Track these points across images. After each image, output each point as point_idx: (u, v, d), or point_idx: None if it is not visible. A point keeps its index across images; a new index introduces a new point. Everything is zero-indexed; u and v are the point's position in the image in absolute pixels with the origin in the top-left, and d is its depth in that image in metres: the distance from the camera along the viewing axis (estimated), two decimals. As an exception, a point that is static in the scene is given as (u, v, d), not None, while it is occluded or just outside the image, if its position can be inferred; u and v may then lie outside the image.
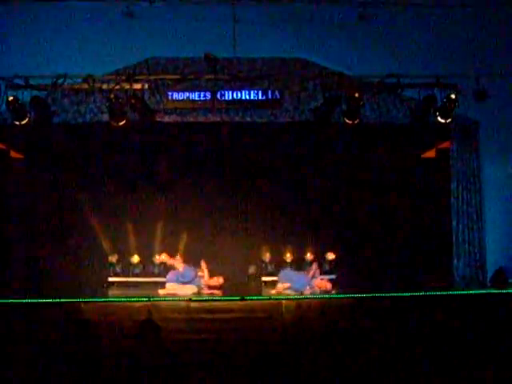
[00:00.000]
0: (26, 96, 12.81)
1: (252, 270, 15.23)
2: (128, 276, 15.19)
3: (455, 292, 13.03)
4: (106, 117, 13.51)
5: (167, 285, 13.19)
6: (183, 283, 13.07)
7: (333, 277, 15.10)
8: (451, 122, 13.62)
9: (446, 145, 15.02)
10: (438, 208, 15.19)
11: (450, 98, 12.91)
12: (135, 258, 15.35)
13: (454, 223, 14.73)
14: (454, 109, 13.11)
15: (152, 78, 13.66)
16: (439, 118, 13.14)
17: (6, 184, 14.67)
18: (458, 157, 14.78)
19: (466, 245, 14.74)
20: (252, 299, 12.07)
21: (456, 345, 9.05)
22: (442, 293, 12.18)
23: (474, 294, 12.48)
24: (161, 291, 13.02)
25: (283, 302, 11.50)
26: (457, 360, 8.16)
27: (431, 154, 15.73)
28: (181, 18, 13.75)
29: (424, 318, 10.53)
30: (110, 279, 15.19)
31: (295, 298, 11.83)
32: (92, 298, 12.10)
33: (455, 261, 14.67)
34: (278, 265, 15.27)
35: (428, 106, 13.14)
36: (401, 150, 15.37)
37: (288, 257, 15.43)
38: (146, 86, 13.42)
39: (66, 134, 14.51)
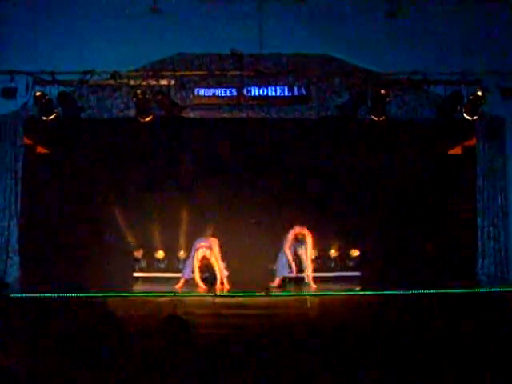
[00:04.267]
0: (53, 91, 12.93)
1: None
2: (153, 271, 15.26)
3: (479, 290, 13.00)
4: (132, 112, 13.62)
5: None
6: None
7: (357, 274, 15.13)
8: (477, 119, 13.59)
9: (471, 142, 14.94)
10: (463, 205, 15.11)
11: (477, 94, 12.87)
12: (160, 254, 15.41)
13: (479, 221, 14.66)
14: (481, 106, 13.07)
15: (178, 74, 13.72)
16: (465, 115, 13.10)
17: (32, 179, 14.74)
18: (483, 154, 14.69)
19: (491, 243, 14.65)
20: (277, 295, 12.11)
21: (480, 344, 9.02)
22: (465, 290, 12.15)
23: (499, 292, 12.44)
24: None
25: (308, 298, 11.52)
26: (481, 360, 8.13)
27: (457, 150, 15.65)
28: (207, 14, 13.80)
29: (448, 316, 10.49)
30: (135, 274, 15.27)
31: (320, 295, 11.85)
32: (117, 292, 12.18)
33: (480, 259, 14.61)
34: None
35: (454, 103, 13.10)
36: (426, 146, 15.28)
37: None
38: (173, 82, 13.49)
39: (92, 129, 14.61)
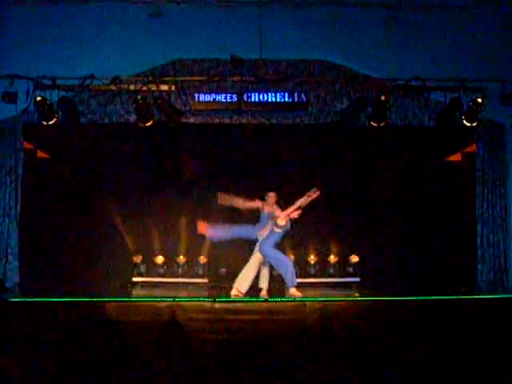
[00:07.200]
0: (53, 96, 12.95)
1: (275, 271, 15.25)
2: (152, 276, 15.24)
3: (479, 296, 12.99)
4: (132, 118, 13.64)
5: None
6: None
7: (357, 279, 15.11)
8: (477, 126, 13.59)
9: (471, 148, 14.94)
10: (463, 212, 15.10)
11: (476, 101, 12.89)
12: (159, 259, 15.39)
13: (479, 227, 14.68)
14: (480, 112, 13.09)
15: (178, 79, 13.75)
16: (465, 122, 13.11)
17: (32, 183, 14.74)
18: (483, 160, 14.72)
19: (491, 249, 14.68)
20: (276, 301, 12.09)
21: (478, 350, 9.02)
22: (465, 297, 12.13)
23: (498, 298, 12.42)
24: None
25: (307, 303, 11.49)
26: (479, 366, 8.13)
27: (456, 157, 15.62)
28: (207, 19, 13.86)
29: (448, 323, 10.49)
30: (134, 279, 15.24)
31: (319, 300, 11.83)
32: (116, 297, 12.16)
33: (479, 265, 14.62)
34: (302, 266, 15.35)
35: (454, 110, 13.11)
36: (426, 153, 15.29)
37: (312, 258, 15.45)
38: (173, 87, 13.52)
39: (92, 134, 14.62)
